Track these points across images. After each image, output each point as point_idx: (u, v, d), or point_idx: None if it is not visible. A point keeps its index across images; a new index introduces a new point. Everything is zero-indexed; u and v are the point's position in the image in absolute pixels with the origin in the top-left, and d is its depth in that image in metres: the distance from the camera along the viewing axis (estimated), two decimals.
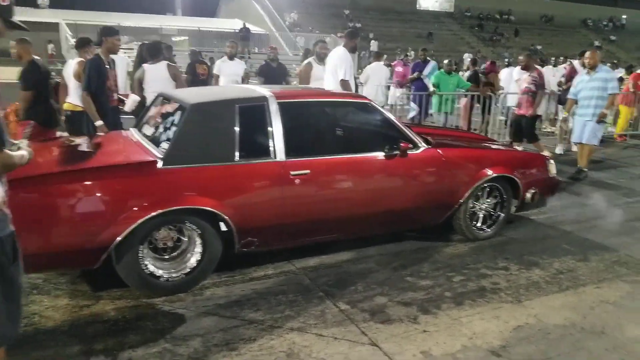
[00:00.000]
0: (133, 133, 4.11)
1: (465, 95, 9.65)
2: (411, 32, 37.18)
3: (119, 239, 3.10)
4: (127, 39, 23.69)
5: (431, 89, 9.16)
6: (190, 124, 3.43)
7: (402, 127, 4.18)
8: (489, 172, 4.36)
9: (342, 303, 3.38)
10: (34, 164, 2.24)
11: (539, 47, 36.21)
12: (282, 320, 3.14)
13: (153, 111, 4.13)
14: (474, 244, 4.50)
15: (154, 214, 3.13)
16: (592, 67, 6.86)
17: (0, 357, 2.13)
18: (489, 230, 4.59)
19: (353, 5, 38.20)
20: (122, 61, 7.93)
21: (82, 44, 6.00)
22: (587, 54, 7.06)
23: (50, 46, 26.16)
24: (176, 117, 3.56)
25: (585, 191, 6.47)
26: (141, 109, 4.86)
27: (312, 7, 36.02)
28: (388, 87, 11.71)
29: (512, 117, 8.38)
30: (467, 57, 19.37)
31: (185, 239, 3.47)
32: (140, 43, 7.90)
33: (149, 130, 3.93)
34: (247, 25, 27.28)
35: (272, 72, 7.89)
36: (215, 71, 7.97)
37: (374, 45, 28.88)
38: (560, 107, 10.23)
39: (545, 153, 5.71)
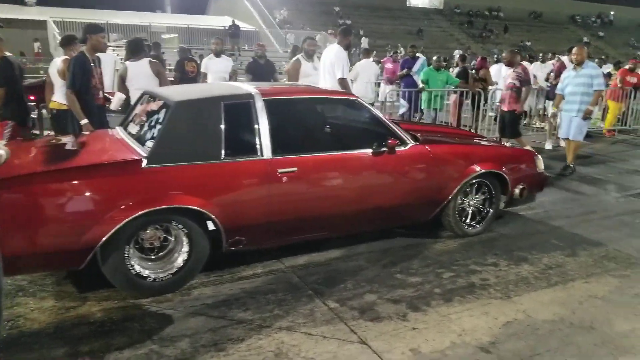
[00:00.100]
0: (118, 132, 4.06)
1: (455, 92, 9.66)
2: (401, 29, 37.21)
3: (104, 239, 3.05)
4: (115, 36, 23.53)
5: (420, 85, 9.15)
6: (175, 122, 3.39)
7: (390, 124, 4.17)
8: (477, 169, 4.35)
9: (332, 301, 3.36)
10: (17, 164, 2.20)
11: (528, 44, 36.41)
12: (271, 320, 3.11)
13: (138, 109, 4.08)
14: (464, 240, 4.49)
15: (139, 213, 3.09)
16: (579, 63, 6.89)
17: None
18: (478, 226, 4.59)
19: (343, 2, 38.14)
20: (110, 59, 7.86)
21: (67, 42, 5.91)
22: (574, 49, 7.08)
23: (37, 44, 25.87)
24: (161, 115, 3.52)
25: (574, 186, 6.50)
26: (127, 107, 4.81)
27: (302, 4, 35.92)
28: (378, 84, 11.71)
29: (499, 113, 8.39)
30: (457, 54, 19.40)
31: (172, 239, 3.43)
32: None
33: (134, 128, 3.89)
34: (237, 22, 27.13)
35: (260, 70, 7.83)
36: (202, 69, 7.91)
37: (364, 42, 28.83)
38: (550, 102, 10.28)
39: (528, 148, 5.74)
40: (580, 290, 3.58)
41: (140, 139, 3.60)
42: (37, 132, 7.55)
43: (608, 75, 12.08)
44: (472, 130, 9.08)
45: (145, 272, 3.31)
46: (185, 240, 3.39)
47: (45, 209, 2.99)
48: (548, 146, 9.04)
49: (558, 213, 5.34)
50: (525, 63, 11.36)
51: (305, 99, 4.06)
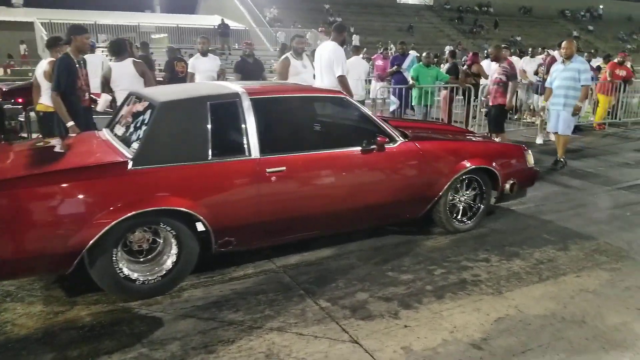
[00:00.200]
0: (105, 133, 4.01)
1: (445, 88, 9.66)
2: (392, 25, 37.22)
3: (90, 242, 3.01)
4: (105, 37, 23.36)
5: (410, 82, 9.14)
6: (160, 122, 3.35)
7: (378, 121, 4.14)
8: (467, 164, 4.34)
9: (323, 300, 3.34)
10: (1, 168, 2.16)
11: (518, 39, 36.51)
12: (262, 321, 3.09)
13: (124, 110, 4.04)
14: (455, 236, 4.49)
15: (125, 216, 3.05)
16: (568, 57, 6.90)
17: None
18: (469, 222, 4.59)
19: None
20: (98, 60, 7.79)
21: (53, 43, 5.85)
22: (564, 43, 7.09)
23: (23, 46, 25.62)
24: (146, 116, 3.48)
25: (565, 180, 6.51)
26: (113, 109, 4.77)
27: (292, 2, 35.82)
28: (369, 81, 11.70)
29: (487, 108, 8.41)
30: (448, 50, 19.43)
31: (161, 241, 3.40)
32: None
33: (120, 130, 3.84)
34: (227, 21, 27.04)
35: (249, 68, 7.79)
36: (189, 69, 7.84)
37: (355, 40, 28.79)
38: (539, 97, 10.31)
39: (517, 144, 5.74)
40: (571, 285, 3.58)
41: (126, 141, 3.56)
42: (25, 135, 7.49)
43: (598, 69, 12.15)
44: (464, 126, 9.09)
45: (134, 275, 3.27)
46: (173, 242, 3.36)
47: (29, 213, 2.95)
48: (539, 140, 9.07)
49: (549, 207, 5.35)
50: (514, 58, 11.42)
51: (292, 98, 4.02)
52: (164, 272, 3.36)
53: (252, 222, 3.58)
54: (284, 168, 3.60)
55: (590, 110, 11.16)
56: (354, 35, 30.85)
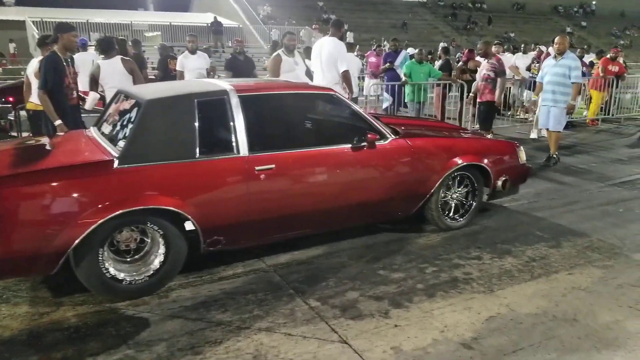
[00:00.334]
0: (92, 132, 3.95)
1: (438, 85, 9.62)
2: (385, 22, 37.14)
3: (76, 242, 2.96)
4: (97, 35, 23.22)
5: (403, 78, 9.10)
6: (147, 120, 3.29)
7: (369, 118, 4.10)
8: (459, 161, 4.31)
9: (313, 300, 3.30)
10: None
11: (512, 35, 36.53)
12: (250, 321, 3.04)
13: (112, 109, 3.98)
14: (447, 233, 4.45)
15: (111, 216, 3.00)
16: (560, 53, 6.87)
17: None
18: (461, 219, 4.55)
19: None
20: (89, 58, 7.71)
21: (44, 42, 5.79)
22: (557, 39, 7.06)
23: (12, 45, 25.37)
24: (133, 114, 3.42)
25: (558, 177, 6.49)
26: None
27: None
28: (362, 78, 11.66)
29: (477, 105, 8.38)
30: (441, 46, 19.37)
31: (148, 240, 3.35)
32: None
33: (107, 128, 3.79)
34: (221, 19, 26.90)
35: (240, 66, 7.73)
36: (178, 67, 7.77)
37: (349, 37, 28.69)
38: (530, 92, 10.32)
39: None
40: (563, 282, 3.56)
41: (113, 139, 3.51)
42: (15, 134, 7.43)
43: (590, 65, 12.15)
44: (458, 123, 9.06)
45: (121, 275, 3.22)
46: (161, 241, 3.31)
47: (13, 212, 2.89)
48: (533, 135, 9.04)
49: (542, 204, 5.32)
50: (508, 54, 11.41)
51: (282, 95, 3.97)
52: (152, 272, 3.31)
53: (241, 220, 3.53)
54: (273, 166, 3.56)
55: (584, 106, 11.17)
56: (348, 33, 30.74)
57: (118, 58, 5.66)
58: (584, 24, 44.58)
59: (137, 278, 3.27)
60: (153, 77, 9.64)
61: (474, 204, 4.58)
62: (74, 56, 5.32)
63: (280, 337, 2.88)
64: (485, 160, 4.46)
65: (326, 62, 6.02)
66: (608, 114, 11.10)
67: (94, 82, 5.53)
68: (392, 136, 4.11)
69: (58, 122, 4.69)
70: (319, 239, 4.20)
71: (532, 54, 11.82)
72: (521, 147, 4.87)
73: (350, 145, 3.88)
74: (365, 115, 4.16)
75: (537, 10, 44.72)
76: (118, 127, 3.60)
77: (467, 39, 36.94)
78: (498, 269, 3.77)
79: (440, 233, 4.47)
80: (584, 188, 5.98)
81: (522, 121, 10.79)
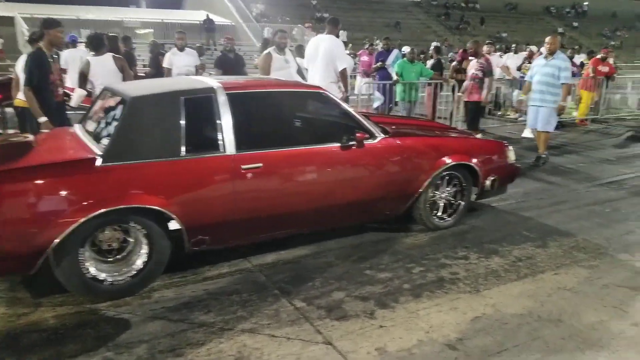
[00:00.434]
0: (76, 129, 3.90)
1: (429, 84, 9.61)
2: (379, 21, 37.10)
3: (55, 242, 2.91)
4: (88, 32, 22.98)
5: (395, 77, 9.08)
6: (131, 118, 3.25)
7: (358, 117, 4.08)
8: (448, 161, 4.29)
9: (298, 300, 3.27)
10: None
11: (504, 35, 36.62)
12: (234, 322, 3.01)
13: (97, 106, 3.93)
14: (435, 233, 4.44)
15: (92, 215, 2.95)
16: (551, 53, 6.88)
17: None
18: (449, 219, 4.54)
19: None
20: (77, 54, 7.62)
21: (34, 39, 5.71)
22: (548, 39, 7.07)
23: (0, 41, 25.00)
24: (118, 112, 3.38)
25: (546, 176, 6.50)
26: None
27: None
28: (354, 77, 11.63)
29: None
30: (433, 45, 19.38)
31: (131, 240, 3.30)
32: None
33: (91, 126, 3.73)
34: (213, 16, 26.77)
35: (230, 63, 7.67)
36: (166, 64, 7.68)
37: (342, 35, 28.69)
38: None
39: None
40: (549, 282, 3.55)
41: (96, 137, 3.46)
42: (0, 130, 7.33)
43: (581, 65, 12.20)
44: (449, 123, 9.05)
45: (102, 275, 3.17)
46: (144, 241, 3.27)
47: None
48: (526, 134, 9.02)
49: (529, 204, 5.32)
50: (497, 54, 11.42)
51: (270, 93, 3.93)
52: (134, 272, 3.26)
53: (227, 220, 3.49)
54: (260, 165, 3.52)
55: (574, 107, 11.21)
56: (342, 31, 30.72)
57: (109, 55, 5.59)
58: (575, 24, 44.76)
59: (118, 278, 3.22)
60: (143, 74, 9.56)
61: (463, 203, 4.56)
62: (63, 53, 5.26)
63: (264, 338, 2.85)
64: (474, 160, 4.44)
65: (323, 60, 5.99)
66: (597, 114, 11.14)
67: (83, 79, 5.46)
68: (381, 135, 4.08)
69: (43, 119, 4.63)
70: (306, 239, 4.16)
71: (524, 53, 11.85)
72: (510, 147, 4.86)
73: (339, 144, 3.85)
74: (355, 114, 4.13)
75: (529, 10, 44.86)
76: (103, 125, 3.55)
77: (460, 38, 36.99)
78: (484, 269, 3.75)
79: (428, 233, 4.45)
80: (572, 188, 5.99)
81: (512, 121, 10.81)
